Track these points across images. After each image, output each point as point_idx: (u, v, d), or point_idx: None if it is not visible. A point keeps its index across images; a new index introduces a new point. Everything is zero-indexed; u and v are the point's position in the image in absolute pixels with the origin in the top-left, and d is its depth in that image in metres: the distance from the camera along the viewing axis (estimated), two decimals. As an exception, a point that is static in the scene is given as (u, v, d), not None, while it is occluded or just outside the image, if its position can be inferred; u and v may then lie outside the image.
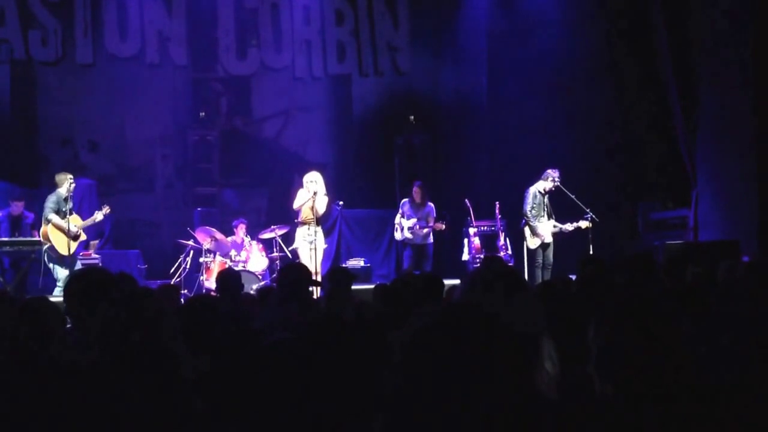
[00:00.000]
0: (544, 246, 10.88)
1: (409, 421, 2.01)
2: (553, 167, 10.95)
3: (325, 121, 14.59)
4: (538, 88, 12.83)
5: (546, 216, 10.90)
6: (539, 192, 10.91)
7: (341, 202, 12.69)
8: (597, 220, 10.83)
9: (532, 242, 10.90)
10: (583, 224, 10.75)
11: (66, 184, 10.14)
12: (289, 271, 5.30)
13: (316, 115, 14.55)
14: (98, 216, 10.61)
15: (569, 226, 10.83)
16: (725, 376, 2.69)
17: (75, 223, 10.27)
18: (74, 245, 10.21)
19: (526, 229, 10.91)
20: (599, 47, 12.81)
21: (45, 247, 10.31)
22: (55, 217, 10.06)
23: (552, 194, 11.01)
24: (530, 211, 10.84)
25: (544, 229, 10.85)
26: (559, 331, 3.12)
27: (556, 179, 10.83)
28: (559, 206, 11.09)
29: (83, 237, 10.34)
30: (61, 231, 10.13)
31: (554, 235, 10.93)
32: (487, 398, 1.95)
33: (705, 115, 11.30)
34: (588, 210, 10.83)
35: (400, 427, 2.05)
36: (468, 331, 2.05)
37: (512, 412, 1.96)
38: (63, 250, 10.15)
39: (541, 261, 10.84)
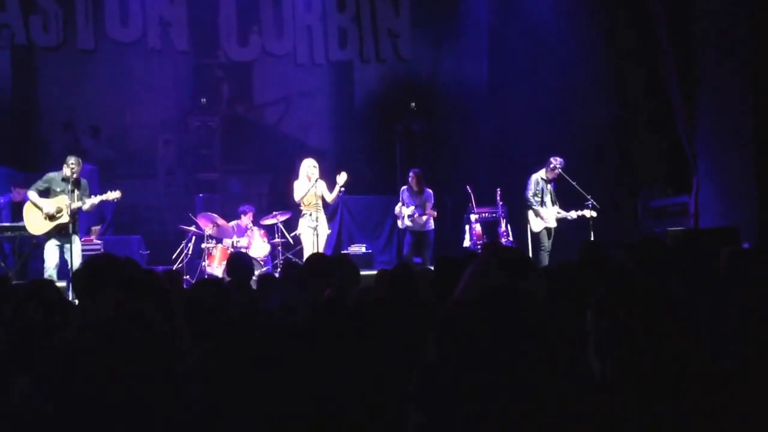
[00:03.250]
0: (548, 231, 10.91)
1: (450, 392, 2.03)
2: (555, 155, 10.96)
3: (326, 107, 14.59)
4: (539, 75, 12.82)
5: (550, 203, 10.93)
6: (541, 179, 10.94)
7: (343, 189, 12.66)
8: (598, 207, 10.84)
9: (535, 225, 10.93)
10: (588, 213, 10.76)
11: (68, 164, 9.69)
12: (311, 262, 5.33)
13: (318, 102, 14.53)
14: (95, 199, 9.74)
15: (573, 214, 10.85)
16: (727, 361, 2.70)
17: (61, 203, 9.52)
18: (48, 225, 9.49)
19: (530, 213, 10.93)
20: (600, 34, 12.77)
21: (20, 225, 9.90)
22: (32, 195, 9.60)
23: (557, 182, 11.02)
24: (532, 197, 10.90)
25: (547, 214, 10.89)
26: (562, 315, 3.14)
27: (558, 167, 10.85)
28: (560, 193, 11.10)
29: (64, 219, 9.46)
30: (35, 207, 9.56)
31: (558, 221, 10.95)
32: (516, 372, 1.98)
33: (705, 101, 11.28)
34: (589, 197, 10.84)
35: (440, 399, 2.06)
36: (492, 304, 2.07)
37: (537, 387, 1.99)
38: (33, 230, 9.61)
39: (547, 245, 10.85)
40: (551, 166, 10.87)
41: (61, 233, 9.50)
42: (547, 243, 10.86)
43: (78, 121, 13.73)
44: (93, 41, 13.32)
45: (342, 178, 10.28)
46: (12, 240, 10.75)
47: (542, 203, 10.92)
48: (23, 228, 10.09)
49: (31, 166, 12.72)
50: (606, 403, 2.16)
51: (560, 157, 10.94)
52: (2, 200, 11.52)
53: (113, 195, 9.80)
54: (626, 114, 12.83)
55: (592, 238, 10.59)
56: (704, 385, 2.19)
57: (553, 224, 10.92)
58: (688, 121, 11.45)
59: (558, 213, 10.92)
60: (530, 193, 10.91)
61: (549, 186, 10.97)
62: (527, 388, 1.99)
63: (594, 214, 10.76)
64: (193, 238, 11.57)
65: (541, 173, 10.96)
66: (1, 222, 11.12)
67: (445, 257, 5.11)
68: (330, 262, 5.32)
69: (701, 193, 11.33)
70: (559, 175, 10.91)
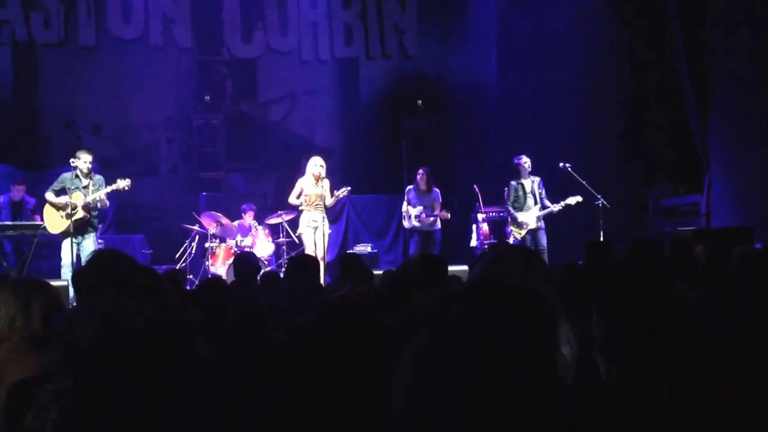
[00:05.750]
0: (532, 232, 10.88)
1: (431, 390, 1.94)
2: (517, 156, 10.99)
3: (331, 104, 14.50)
4: (549, 71, 12.64)
5: (532, 203, 10.91)
6: (518, 183, 10.97)
7: (348, 187, 12.52)
8: (608, 206, 10.70)
9: (518, 233, 10.96)
10: (572, 200, 10.69)
11: (80, 161, 9.37)
12: (297, 263, 5.32)
13: (323, 99, 14.46)
14: (105, 190, 9.50)
15: (556, 206, 10.79)
16: (734, 362, 2.61)
17: (75, 200, 9.34)
18: (64, 223, 9.31)
19: (509, 221, 11.06)
20: (611, 30, 12.60)
21: (40, 228, 9.70)
22: (50, 196, 9.46)
23: (543, 179, 11.01)
24: (512, 204, 10.96)
25: (526, 217, 10.87)
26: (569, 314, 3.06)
27: (522, 163, 10.88)
28: (569, 192, 10.92)
29: (78, 215, 9.28)
30: (54, 207, 9.42)
31: (545, 217, 10.90)
32: (510, 372, 1.90)
33: (718, 98, 11.13)
34: (599, 196, 10.72)
35: (421, 399, 1.96)
36: (496, 302, 1.98)
37: (533, 389, 1.90)
38: (53, 229, 9.45)
39: (533, 248, 10.73)
40: (515, 166, 10.95)
41: (78, 231, 9.36)
42: (533, 246, 10.76)
43: (79, 118, 13.66)
44: (95, 38, 13.32)
45: (344, 191, 10.39)
46: (13, 239, 10.63)
47: (523, 207, 10.91)
48: (25, 227, 10.02)
49: (32, 165, 12.68)
50: (611, 403, 2.12)
51: (523, 155, 10.97)
52: (2, 199, 11.43)
53: (123, 183, 9.62)
54: (638, 112, 12.66)
55: (601, 238, 10.44)
56: (710, 385, 2.16)
57: (534, 225, 10.85)
58: (700, 119, 11.29)
59: (540, 210, 10.86)
60: (510, 201, 11.00)
61: (531, 186, 10.93)
62: (523, 383, 1.90)
63: (579, 200, 10.66)
64: (197, 237, 11.48)
65: (515, 180, 11.01)
66: (1, 221, 11.00)
67: (428, 256, 5.02)
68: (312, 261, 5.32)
69: (714, 193, 11.18)
70: (530, 170, 10.92)
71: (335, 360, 3.14)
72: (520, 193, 10.92)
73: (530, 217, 10.85)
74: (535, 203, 10.87)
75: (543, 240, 10.83)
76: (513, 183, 11.01)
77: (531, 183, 10.91)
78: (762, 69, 10.31)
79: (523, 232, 10.87)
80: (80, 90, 13.54)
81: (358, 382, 3.06)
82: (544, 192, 10.91)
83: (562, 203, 10.73)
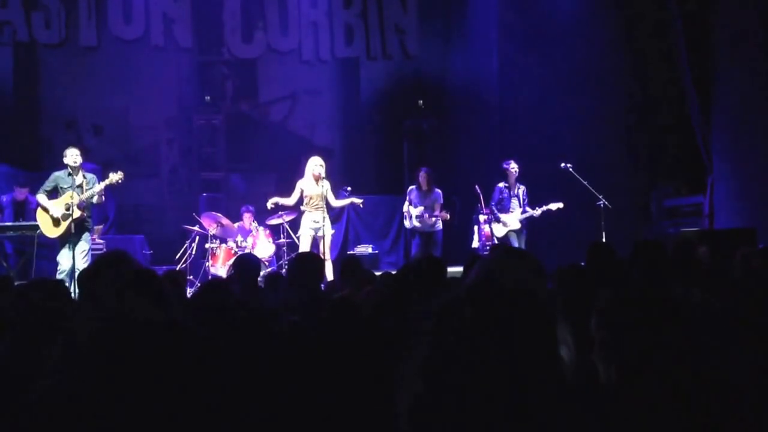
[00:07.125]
0: (514, 233, 11.08)
1: (437, 397, 1.97)
2: (506, 160, 11.12)
3: (332, 104, 14.47)
4: (551, 72, 12.60)
5: (516, 206, 11.09)
6: (504, 187, 11.14)
7: (349, 188, 12.48)
8: (610, 206, 10.67)
9: (498, 231, 11.15)
10: (554, 206, 10.84)
11: (68, 157, 9.33)
12: (299, 260, 5.31)
13: (324, 99, 14.43)
14: (99, 187, 9.38)
15: (537, 211, 10.94)
16: (733, 361, 2.60)
17: (68, 200, 9.22)
18: (62, 226, 9.26)
19: (492, 221, 11.23)
20: (613, 30, 12.57)
21: (37, 231, 9.60)
22: (40, 197, 9.41)
23: (527, 185, 11.12)
24: (496, 205, 11.16)
25: (508, 219, 11.10)
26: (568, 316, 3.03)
27: (510, 169, 11.04)
28: (571, 192, 10.89)
29: (75, 215, 9.18)
30: (45, 211, 9.35)
31: (526, 220, 11.06)
32: (514, 374, 1.92)
33: (721, 100, 11.09)
34: (601, 196, 10.70)
35: (427, 402, 1.98)
36: (498, 304, 2.01)
37: (536, 390, 1.93)
38: (48, 232, 9.37)
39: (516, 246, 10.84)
40: (504, 171, 11.12)
41: (74, 232, 9.24)
42: (516, 245, 10.86)
43: (80, 119, 13.68)
44: (96, 38, 13.34)
45: (358, 202, 10.75)
46: (14, 239, 10.61)
47: (507, 210, 11.10)
48: (26, 227, 9.97)
49: (34, 165, 12.66)
50: (610, 404, 2.13)
51: (511, 160, 11.10)
52: (4, 199, 11.42)
53: (116, 177, 9.51)
54: (640, 112, 12.63)
55: (603, 239, 10.40)
56: (710, 387, 2.15)
57: (516, 226, 11.08)
58: (703, 120, 11.26)
59: (521, 213, 11.07)
60: (493, 203, 11.19)
61: (515, 190, 11.11)
62: (522, 383, 1.94)
63: (561, 206, 10.80)
64: (197, 237, 11.44)
65: (503, 182, 11.18)
66: (3, 221, 10.98)
67: (427, 258, 5.00)
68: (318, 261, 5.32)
69: (717, 193, 11.15)
70: (517, 176, 11.08)
71: (335, 361, 3.14)
72: (505, 195, 11.12)
73: (512, 219, 11.09)
74: (519, 206, 11.11)
75: (522, 243, 11.01)
76: (499, 186, 11.18)
77: (516, 189, 11.12)
78: (765, 70, 10.27)
79: (504, 230, 11.10)
80: (81, 90, 13.54)
81: (357, 383, 3.07)
82: (527, 200, 11.12)
83: (544, 207, 10.89)
